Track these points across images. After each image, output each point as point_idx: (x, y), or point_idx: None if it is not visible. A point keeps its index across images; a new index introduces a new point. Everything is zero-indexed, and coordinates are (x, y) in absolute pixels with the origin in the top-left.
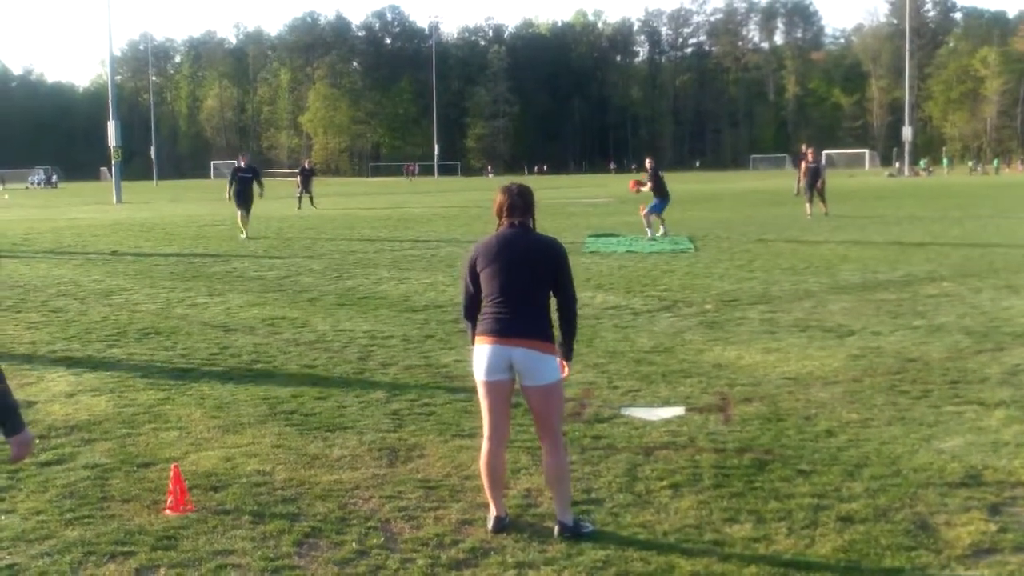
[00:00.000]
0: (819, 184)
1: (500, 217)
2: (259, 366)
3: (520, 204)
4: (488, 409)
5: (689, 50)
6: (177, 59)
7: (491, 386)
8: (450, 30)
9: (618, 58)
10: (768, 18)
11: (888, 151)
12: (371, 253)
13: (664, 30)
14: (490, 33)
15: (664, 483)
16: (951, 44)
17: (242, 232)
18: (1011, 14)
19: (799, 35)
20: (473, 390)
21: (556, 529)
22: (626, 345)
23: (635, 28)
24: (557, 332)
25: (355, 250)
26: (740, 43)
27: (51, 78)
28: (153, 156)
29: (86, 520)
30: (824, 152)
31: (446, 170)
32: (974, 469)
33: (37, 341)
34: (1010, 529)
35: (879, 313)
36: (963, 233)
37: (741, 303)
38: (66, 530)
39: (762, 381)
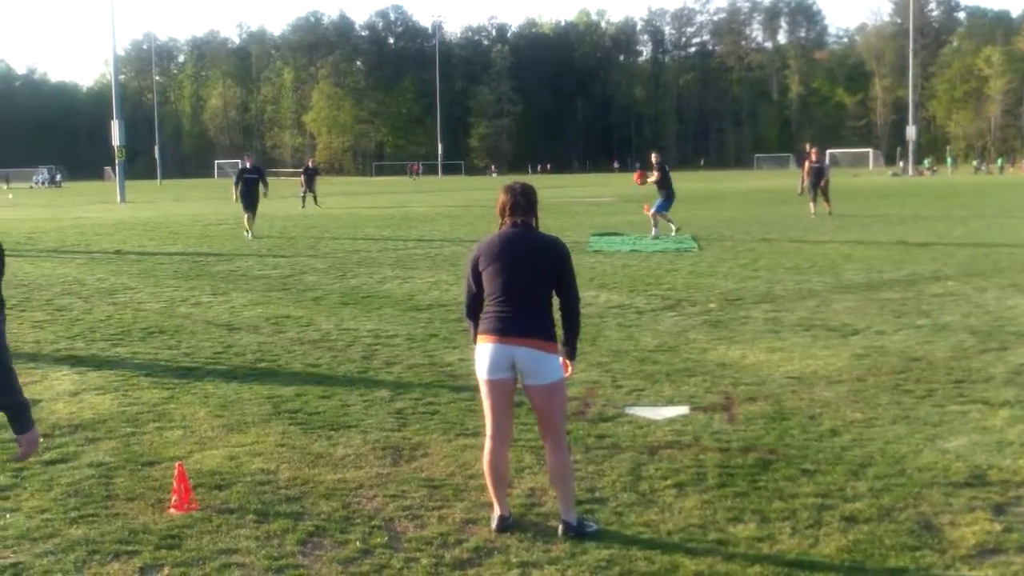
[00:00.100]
0: (823, 183)
1: (503, 216)
2: (263, 365)
3: (523, 203)
4: (490, 408)
5: (693, 49)
6: (181, 58)
7: (493, 385)
8: (453, 29)
9: (621, 57)
10: (771, 17)
11: (892, 150)
12: (375, 252)
13: (667, 29)
14: (493, 32)
15: (668, 482)
16: (955, 43)
17: (247, 231)
18: (1015, 13)
19: (803, 34)
20: (477, 389)
21: (560, 528)
22: (630, 344)
23: (638, 27)
24: (560, 331)
25: (359, 249)
26: (744, 42)
27: (55, 77)
28: (157, 155)
29: (90, 519)
30: (828, 151)
31: (449, 169)
32: (979, 469)
33: (41, 340)
34: (1015, 529)
35: (883, 312)
36: (967, 232)
37: (745, 302)
38: (70, 528)
39: (766, 380)
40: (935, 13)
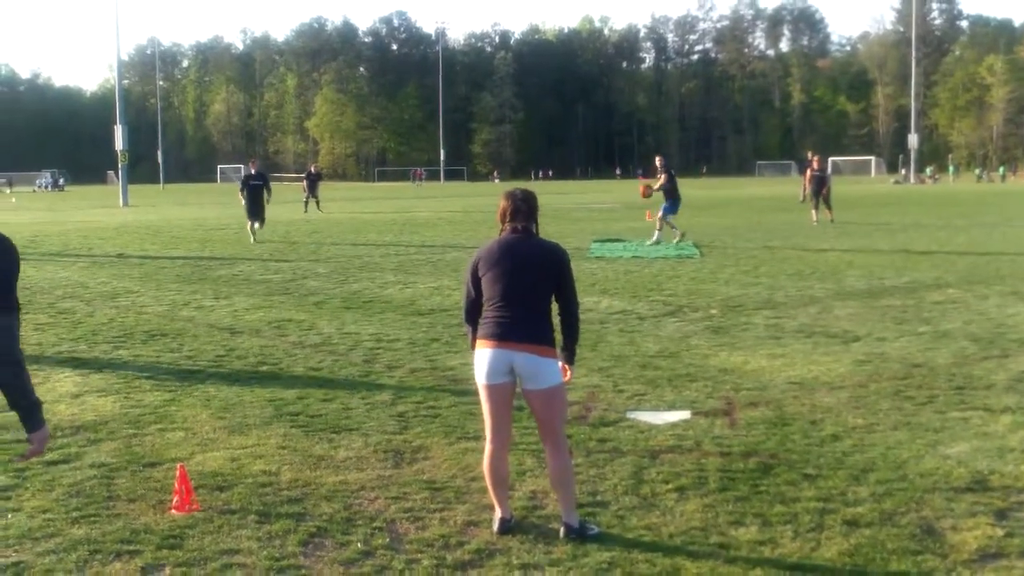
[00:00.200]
0: (825, 191)
1: (503, 222)
2: (265, 368)
3: (524, 209)
4: (489, 413)
5: (695, 57)
6: (184, 64)
7: (492, 390)
8: (457, 36)
9: (624, 64)
10: (774, 25)
11: (894, 158)
12: (377, 257)
13: (670, 37)
14: (496, 39)
15: (670, 486)
16: (957, 52)
17: (252, 238)
18: (1017, 22)
19: (805, 42)
20: (477, 393)
21: (562, 531)
22: (631, 349)
23: (641, 35)
24: (559, 336)
25: (361, 254)
26: (746, 50)
27: (59, 82)
28: (160, 160)
29: (92, 519)
30: (830, 159)
31: (452, 175)
32: (980, 474)
33: (44, 342)
34: (1016, 534)
35: (885, 319)
36: (969, 240)
37: (746, 308)
38: (72, 528)
39: (768, 386)
40: (938, 22)
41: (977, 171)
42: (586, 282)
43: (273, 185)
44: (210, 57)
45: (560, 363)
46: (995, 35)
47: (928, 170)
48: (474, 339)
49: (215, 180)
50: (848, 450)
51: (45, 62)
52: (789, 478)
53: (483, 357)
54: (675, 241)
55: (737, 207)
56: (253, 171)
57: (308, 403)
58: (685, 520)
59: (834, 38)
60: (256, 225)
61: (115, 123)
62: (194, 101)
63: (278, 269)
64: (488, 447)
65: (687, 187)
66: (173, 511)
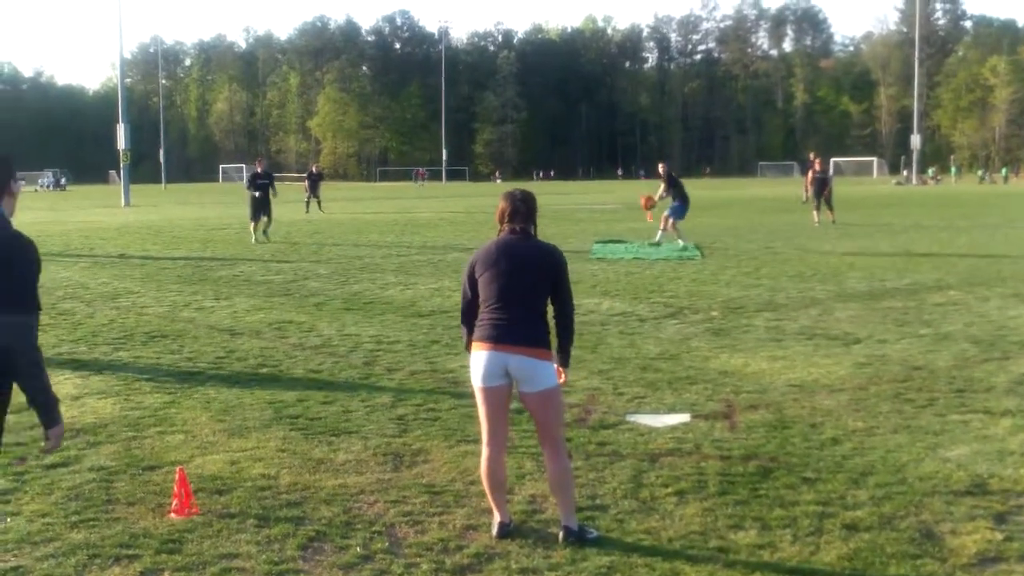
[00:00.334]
0: (826, 192)
1: (501, 223)
2: (265, 370)
3: (523, 210)
4: (486, 416)
5: (698, 57)
6: (187, 62)
7: (488, 392)
8: (459, 35)
9: (627, 64)
10: (777, 25)
11: (896, 159)
12: (378, 258)
13: (673, 36)
14: (500, 38)
15: (669, 490)
16: (960, 53)
17: (264, 236)
18: (1021, 23)
19: (808, 43)
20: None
21: (561, 534)
22: (632, 351)
23: (644, 34)
24: (554, 338)
25: (362, 255)
26: (749, 50)
27: (61, 81)
28: (162, 159)
29: (91, 523)
30: (832, 160)
31: (454, 175)
32: (980, 478)
33: (44, 343)
34: (1016, 538)
35: (885, 321)
36: (970, 242)
37: (747, 310)
38: (71, 532)
39: (768, 388)
40: (941, 22)
41: (980, 172)
42: (587, 283)
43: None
44: (213, 56)
45: (555, 365)
46: (999, 36)
47: (930, 171)
48: (470, 340)
49: (217, 179)
50: (848, 453)
51: (48, 61)
52: (788, 482)
53: (479, 359)
54: (679, 243)
55: (739, 208)
56: (259, 170)
57: (308, 406)
58: (684, 524)
59: (837, 38)
60: (264, 220)
61: (117, 122)
62: (196, 100)
63: (279, 270)
64: (485, 451)
65: (690, 188)
66: (172, 515)
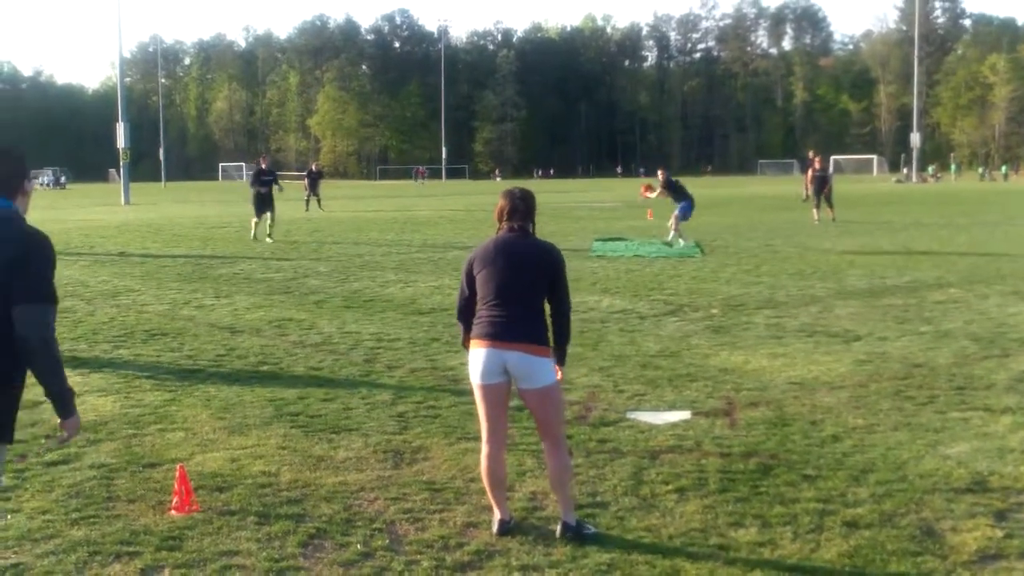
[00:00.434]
0: (826, 190)
1: (500, 221)
2: (265, 368)
3: (521, 208)
4: (485, 413)
5: (698, 55)
6: (187, 61)
7: (487, 390)
8: (459, 34)
9: (627, 63)
10: (777, 24)
11: (896, 157)
12: (378, 256)
13: (673, 35)
14: (499, 37)
15: (669, 487)
16: (960, 51)
17: (266, 236)
18: (1020, 21)
19: (808, 41)
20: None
21: (559, 529)
22: (632, 349)
23: (644, 33)
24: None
25: (362, 253)
26: (749, 48)
27: (61, 80)
28: (162, 158)
29: (91, 520)
30: (832, 158)
31: (453, 173)
32: (980, 475)
33: None
34: (1016, 535)
35: (886, 319)
36: (970, 239)
37: (747, 308)
38: (71, 530)
39: (768, 386)
40: (940, 20)
41: (980, 170)
42: (587, 281)
43: None
44: (212, 55)
45: (553, 362)
46: (998, 34)
47: (930, 169)
48: (467, 337)
49: (217, 178)
50: (848, 451)
51: (47, 60)
52: (789, 479)
53: (477, 357)
54: (681, 243)
55: (739, 206)
56: (264, 166)
57: (308, 403)
58: (685, 521)
59: (837, 37)
60: (267, 217)
61: (117, 121)
62: (196, 99)
63: (279, 268)
64: (485, 448)
65: (691, 186)
66: (173, 512)
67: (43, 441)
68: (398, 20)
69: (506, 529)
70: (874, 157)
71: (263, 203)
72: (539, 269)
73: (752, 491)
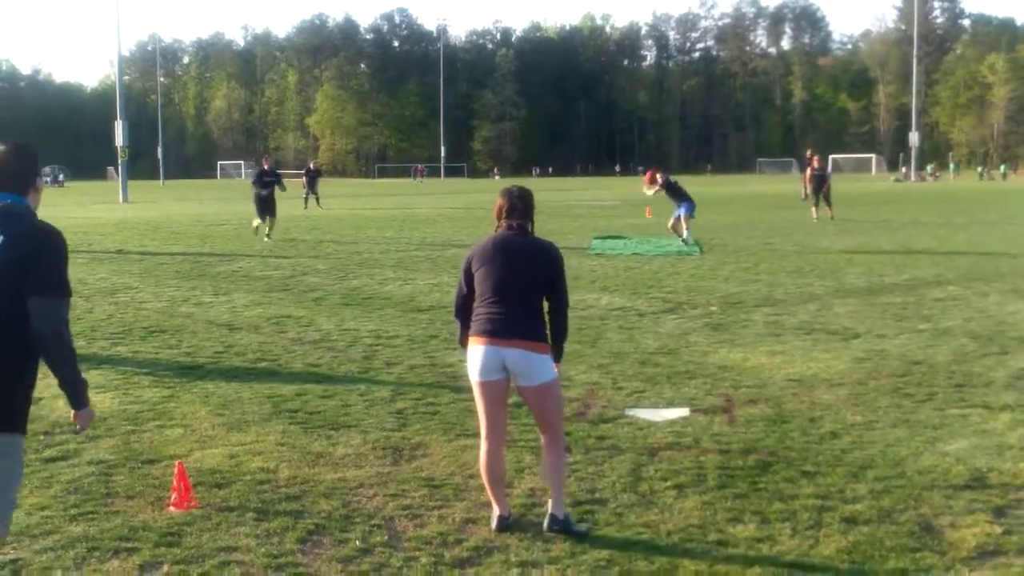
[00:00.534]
0: (825, 189)
1: (499, 219)
2: (264, 364)
3: (520, 207)
4: (484, 410)
5: (697, 55)
6: (185, 60)
7: (486, 387)
8: (458, 33)
9: (625, 62)
10: (776, 23)
11: (895, 156)
12: (376, 253)
13: (672, 34)
14: (498, 36)
15: (668, 483)
16: (959, 50)
17: (266, 236)
18: (1019, 21)
19: (807, 40)
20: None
21: (547, 521)
22: (631, 346)
23: (643, 32)
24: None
25: (360, 250)
26: (748, 48)
27: (59, 78)
28: (160, 156)
29: (90, 516)
30: (831, 157)
31: (452, 172)
32: (979, 472)
33: None
34: (1015, 532)
35: (884, 316)
36: (969, 238)
37: (746, 305)
38: (70, 526)
39: (767, 383)
40: (939, 20)
41: (979, 169)
42: (586, 279)
43: None
44: (211, 53)
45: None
46: (997, 34)
47: (929, 168)
48: (464, 334)
49: (215, 176)
50: (847, 447)
51: (46, 58)
52: (788, 475)
53: (476, 354)
54: (678, 241)
55: (738, 204)
56: (266, 167)
57: (307, 400)
58: (683, 517)
59: (836, 36)
60: (268, 221)
61: (115, 119)
62: (195, 97)
63: (277, 265)
64: (484, 445)
65: (690, 185)
66: (171, 508)
67: (41, 437)
68: (397, 19)
69: (505, 525)
70: (873, 156)
71: (264, 205)
72: (538, 267)
73: (751, 487)
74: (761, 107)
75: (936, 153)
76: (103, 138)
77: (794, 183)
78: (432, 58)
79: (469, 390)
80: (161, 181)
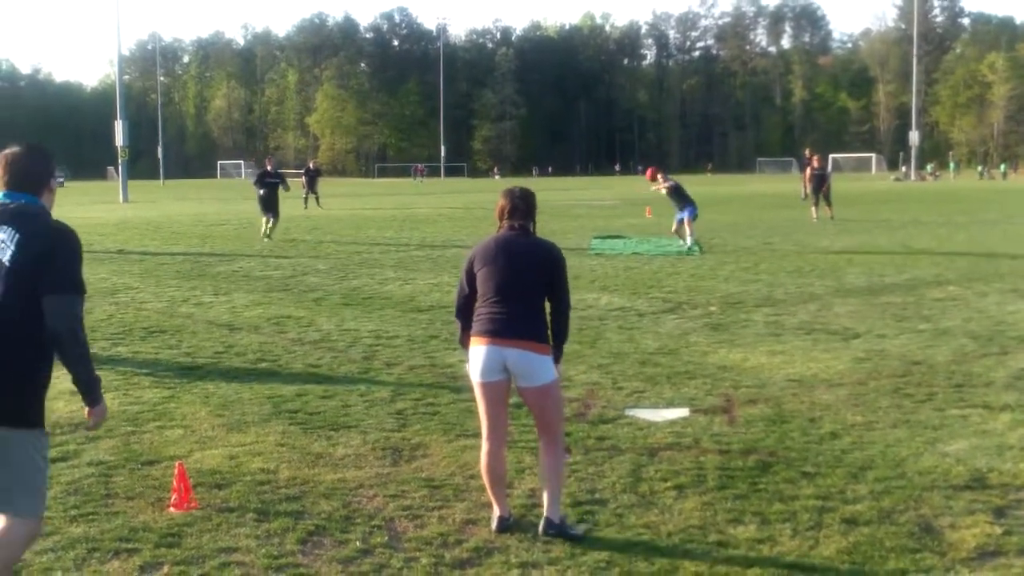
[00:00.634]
0: (825, 188)
1: (501, 220)
2: (264, 365)
3: (522, 207)
4: (485, 411)
5: (696, 53)
6: (185, 59)
7: (487, 387)
8: (458, 32)
9: (625, 61)
10: (776, 22)
11: (895, 155)
12: (376, 253)
13: (672, 33)
14: (498, 35)
15: (668, 484)
16: (958, 49)
17: (267, 237)
18: (1019, 20)
19: (807, 39)
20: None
21: (542, 524)
22: (631, 346)
23: (643, 31)
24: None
25: (360, 250)
26: (748, 47)
27: (59, 77)
28: (160, 156)
29: (90, 517)
30: (831, 156)
31: (452, 171)
32: (979, 472)
33: None
34: (1015, 532)
35: (884, 316)
36: (969, 238)
37: (746, 305)
38: (70, 527)
39: (767, 383)
40: (939, 19)
41: (979, 168)
42: (586, 278)
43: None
44: (211, 53)
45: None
46: (996, 33)
47: (929, 167)
48: (465, 335)
49: (215, 176)
50: (847, 448)
51: (46, 58)
52: (788, 476)
53: (477, 354)
54: (680, 243)
55: (738, 204)
56: (269, 168)
57: (307, 400)
58: (683, 518)
59: (836, 35)
60: (269, 219)
61: (115, 119)
62: (195, 97)
63: (278, 265)
64: (485, 445)
65: (690, 185)
66: (171, 509)
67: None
68: (397, 18)
69: (505, 526)
70: (873, 155)
71: (266, 205)
72: (540, 267)
73: (751, 488)
74: (761, 106)
75: (936, 152)
76: (103, 138)
77: (794, 183)
78: (432, 57)
79: (469, 390)
80: (161, 181)
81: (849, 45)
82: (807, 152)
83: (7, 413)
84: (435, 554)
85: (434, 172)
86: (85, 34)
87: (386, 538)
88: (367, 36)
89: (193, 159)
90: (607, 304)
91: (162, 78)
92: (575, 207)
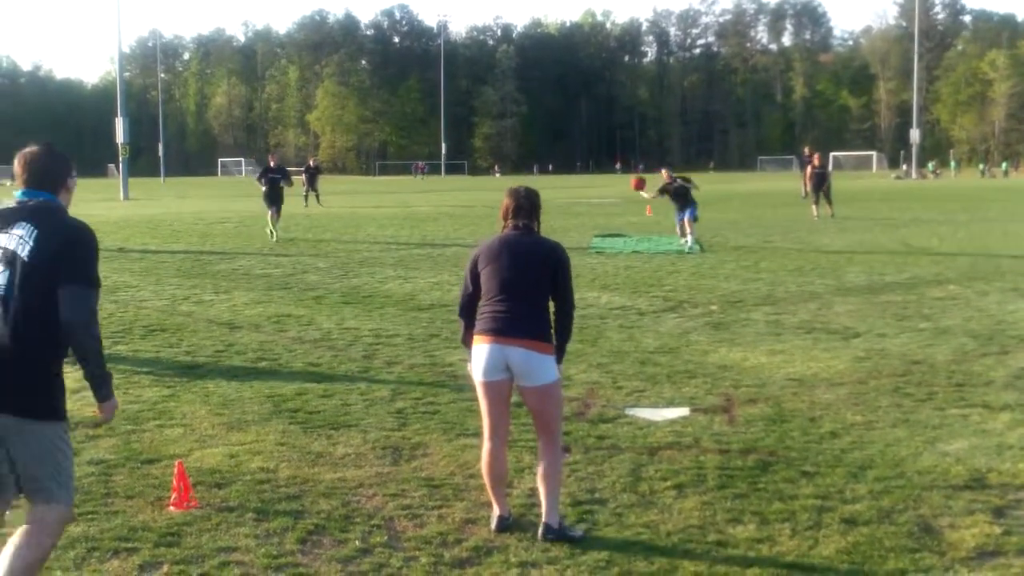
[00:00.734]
0: (825, 187)
1: (505, 219)
2: (264, 364)
3: (526, 206)
4: (487, 410)
5: (697, 51)
6: (186, 56)
7: (489, 386)
8: (459, 29)
9: (626, 58)
10: (777, 19)
11: (896, 153)
12: (377, 252)
13: (672, 31)
14: (499, 32)
15: (668, 484)
16: (960, 47)
17: (272, 235)
18: (1020, 17)
19: (808, 37)
20: (475, 389)
21: (540, 530)
22: (631, 345)
23: (643, 28)
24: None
25: (361, 249)
26: (748, 44)
27: (60, 74)
28: (161, 153)
29: (90, 516)
30: (831, 154)
31: (453, 169)
32: (979, 472)
33: None
34: (1014, 532)
35: (885, 315)
36: (970, 236)
37: (746, 304)
38: (70, 526)
39: (767, 382)
40: (940, 16)
41: (980, 166)
42: (586, 277)
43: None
44: (212, 50)
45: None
46: (998, 30)
47: (930, 165)
48: (468, 334)
49: (216, 173)
50: (847, 447)
51: (46, 54)
52: (787, 475)
53: (480, 353)
54: (681, 241)
55: (738, 202)
56: (273, 164)
57: (307, 399)
58: (683, 518)
59: (836, 32)
60: (273, 213)
61: (116, 116)
62: (195, 94)
63: (278, 264)
64: (486, 444)
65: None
66: (171, 508)
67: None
68: (397, 15)
69: (505, 525)
70: (874, 153)
71: (268, 199)
72: (544, 267)
73: (750, 488)
74: (762, 104)
75: (937, 150)
76: (103, 135)
77: (795, 181)
78: (433, 54)
79: (469, 389)
80: (162, 178)
81: (850, 42)
82: (807, 150)
83: (35, 406)
84: (434, 553)
85: (435, 170)
86: (86, 31)
87: (385, 537)
88: (368, 33)
89: (194, 156)
90: (607, 303)
91: (163, 75)
92: (575, 205)
